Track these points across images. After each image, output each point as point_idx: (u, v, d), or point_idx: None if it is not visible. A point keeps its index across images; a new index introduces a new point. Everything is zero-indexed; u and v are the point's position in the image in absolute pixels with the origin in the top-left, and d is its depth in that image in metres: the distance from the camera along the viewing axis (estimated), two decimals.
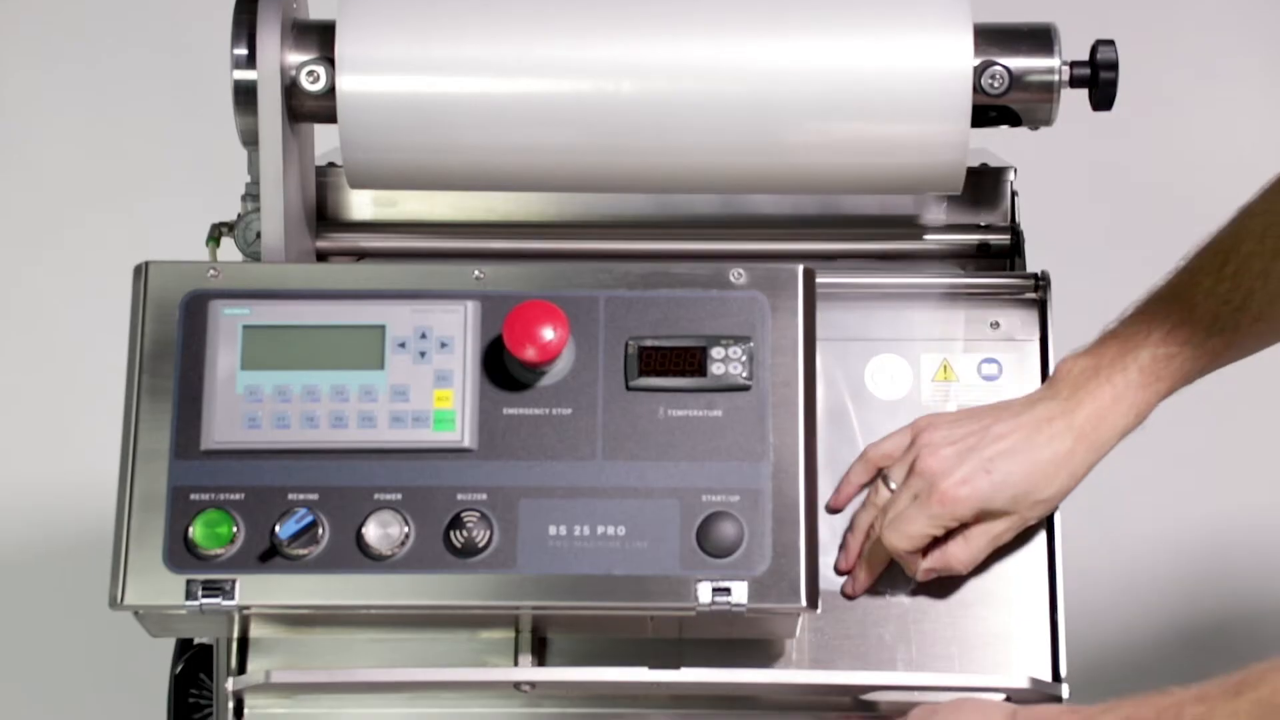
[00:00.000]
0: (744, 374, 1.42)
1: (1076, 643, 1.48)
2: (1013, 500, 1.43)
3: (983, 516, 1.44)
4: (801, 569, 1.39)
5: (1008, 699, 1.41)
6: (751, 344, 1.42)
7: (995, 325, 1.52)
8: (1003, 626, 1.49)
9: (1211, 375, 1.46)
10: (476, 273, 1.43)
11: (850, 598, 1.48)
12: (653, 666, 1.45)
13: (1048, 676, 1.48)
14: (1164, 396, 1.43)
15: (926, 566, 1.46)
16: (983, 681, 1.46)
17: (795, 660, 1.50)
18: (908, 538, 1.44)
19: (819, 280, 1.45)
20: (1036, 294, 1.52)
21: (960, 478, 1.42)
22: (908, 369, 1.51)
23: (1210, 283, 1.43)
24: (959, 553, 1.45)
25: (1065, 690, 1.46)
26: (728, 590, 1.39)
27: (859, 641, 1.50)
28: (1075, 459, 1.43)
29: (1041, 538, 1.49)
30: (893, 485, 1.46)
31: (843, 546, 1.50)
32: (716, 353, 1.42)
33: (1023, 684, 1.44)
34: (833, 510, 1.50)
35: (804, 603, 1.39)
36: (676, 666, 1.45)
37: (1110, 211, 2.51)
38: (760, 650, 1.50)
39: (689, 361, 1.42)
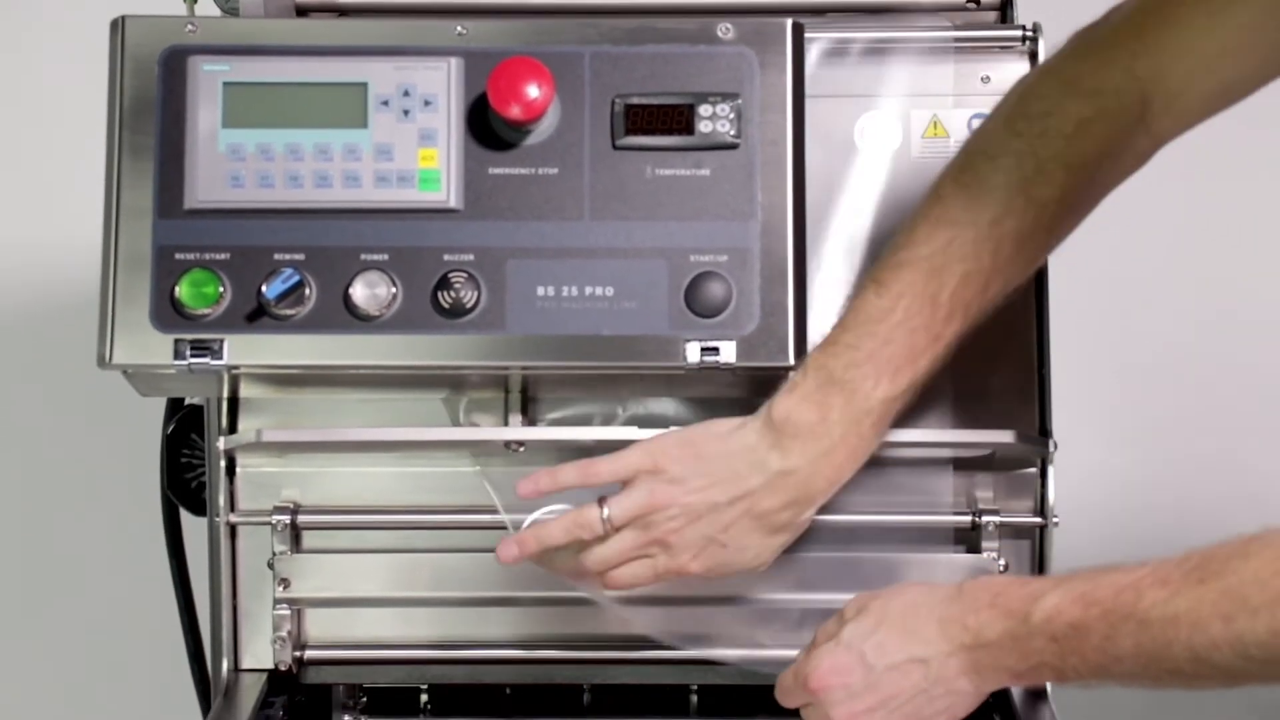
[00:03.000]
0: (732, 132, 1.41)
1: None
2: (754, 558, 1.38)
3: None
4: (790, 327, 1.39)
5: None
6: (739, 101, 1.41)
7: (986, 79, 1.50)
8: (990, 385, 1.50)
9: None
10: (459, 28, 1.41)
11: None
12: (642, 425, 1.46)
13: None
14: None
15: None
16: (972, 437, 1.47)
17: None
18: (625, 585, 1.39)
19: (807, 35, 1.43)
20: (1027, 47, 1.50)
21: (693, 554, 1.36)
22: (897, 125, 1.50)
23: (924, 319, 1.32)
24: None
25: (1052, 445, 1.47)
26: (716, 349, 1.39)
27: None
28: (807, 519, 1.38)
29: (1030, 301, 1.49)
30: (608, 519, 1.36)
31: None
32: (704, 110, 1.41)
33: (1008, 439, 1.45)
34: (521, 495, 1.40)
35: (792, 360, 1.39)
36: (665, 426, 1.46)
37: None
38: (746, 407, 1.50)
39: (676, 119, 1.41)
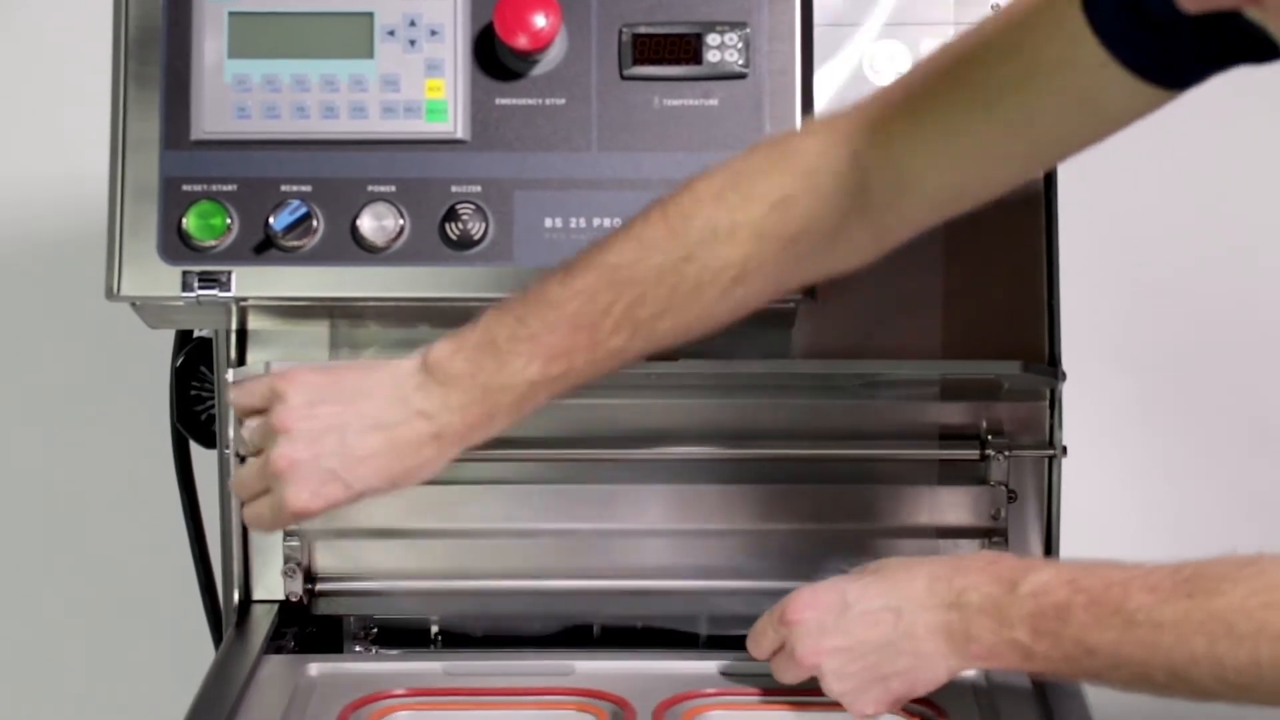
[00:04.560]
0: (740, 61, 1.40)
1: None
2: (368, 497, 1.32)
3: None
4: None
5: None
6: (748, 30, 1.40)
7: (995, 8, 1.49)
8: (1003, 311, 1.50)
9: None
10: None
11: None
12: (651, 357, 1.46)
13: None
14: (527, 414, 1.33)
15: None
16: (979, 368, 1.47)
17: (795, 349, 1.50)
18: (266, 530, 1.34)
19: None
20: None
21: (312, 490, 1.30)
22: (906, 53, 1.49)
23: (590, 321, 1.29)
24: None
25: (1061, 376, 1.47)
26: None
27: (860, 328, 1.50)
28: (435, 465, 1.32)
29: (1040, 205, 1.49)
30: (239, 444, 1.35)
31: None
32: (712, 39, 1.40)
33: (1015, 370, 1.45)
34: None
35: (801, 294, 1.39)
36: (675, 357, 1.46)
37: None
38: (760, 339, 1.50)
39: (684, 49, 1.40)
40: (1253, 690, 1.16)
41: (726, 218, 1.28)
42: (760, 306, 1.32)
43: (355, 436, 1.29)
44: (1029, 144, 1.25)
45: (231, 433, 1.50)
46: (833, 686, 1.29)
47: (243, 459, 1.34)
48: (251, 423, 1.32)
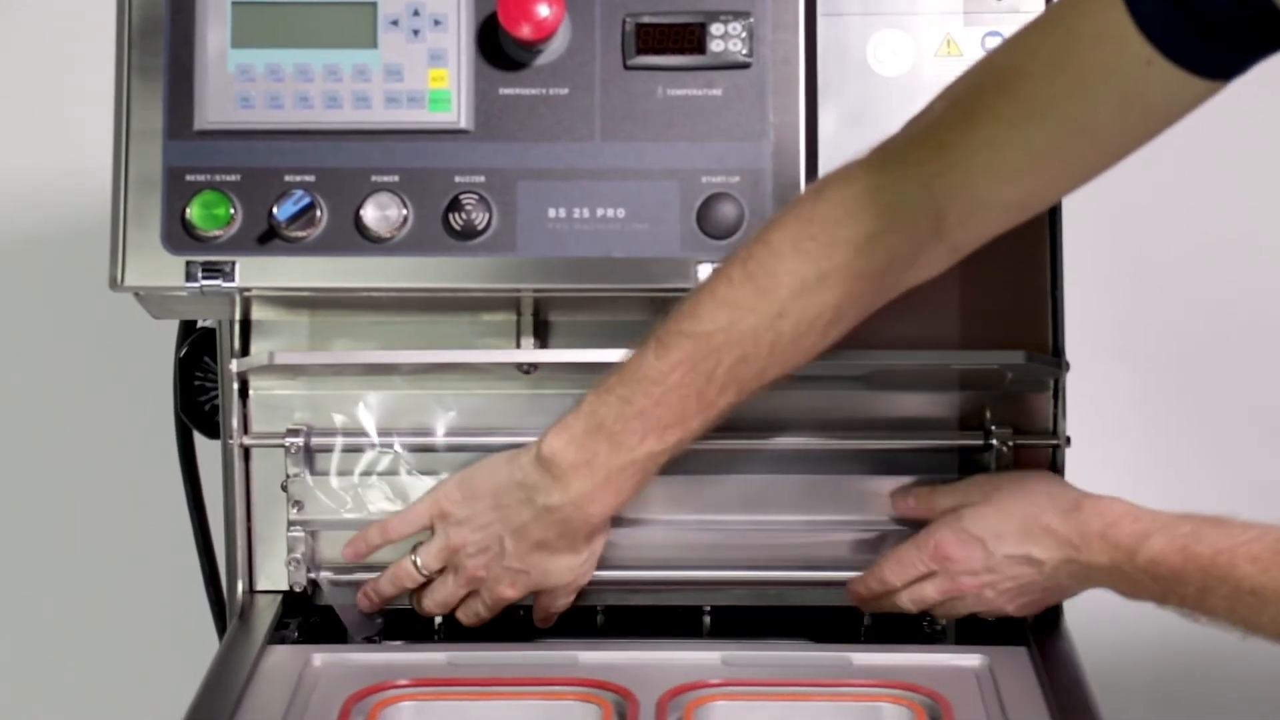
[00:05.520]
0: (744, 51, 1.40)
1: None
2: (561, 577, 1.45)
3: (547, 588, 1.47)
4: None
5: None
6: (751, 19, 1.40)
7: None
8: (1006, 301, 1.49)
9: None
10: None
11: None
12: None
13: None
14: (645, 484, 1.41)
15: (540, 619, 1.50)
16: (983, 358, 1.47)
17: None
18: (471, 623, 1.48)
19: None
20: None
21: (507, 584, 1.44)
22: (910, 44, 1.48)
23: (696, 389, 1.35)
24: (556, 604, 1.49)
25: (1064, 366, 1.47)
26: None
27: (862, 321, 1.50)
28: (591, 544, 1.45)
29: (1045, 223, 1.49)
30: (421, 567, 1.46)
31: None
32: (716, 29, 1.40)
33: (1019, 359, 1.45)
34: (346, 559, 1.49)
35: None
36: None
37: None
38: None
39: (688, 39, 1.40)
40: None
41: (813, 269, 1.32)
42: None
43: (510, 543, 1.42)
44: (1087, 148, 1.28)
45: (235, 423, 1.50)
46: (990, 603, 1.42)
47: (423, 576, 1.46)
48: (429, 550, 1.44)
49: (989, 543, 1.39)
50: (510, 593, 1.44)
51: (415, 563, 1.45)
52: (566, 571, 1.45)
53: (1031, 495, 1.40)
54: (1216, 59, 1.21)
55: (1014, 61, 1.29)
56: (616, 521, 1.48)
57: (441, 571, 1.45)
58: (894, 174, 1.32)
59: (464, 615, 1.47)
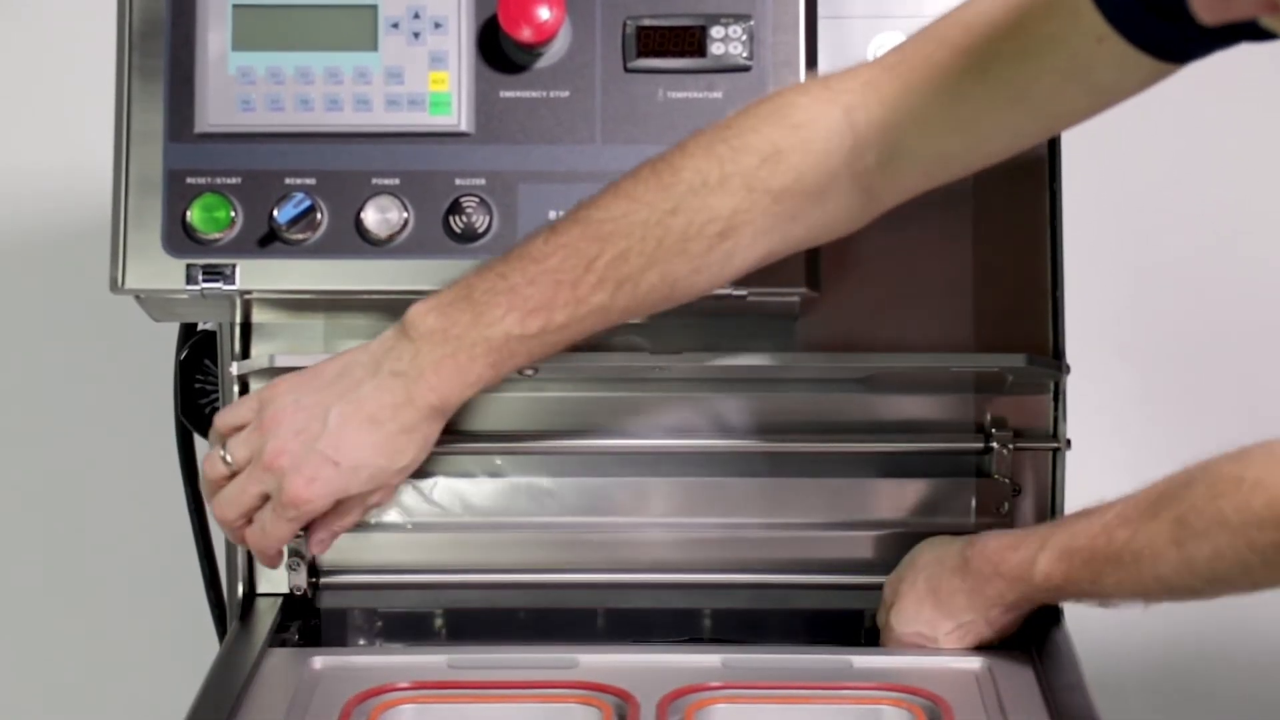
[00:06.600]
0: (744, 54, 1.40)
1: None
2: (371, 479, 1.35)
3: (345, 498, 1.36)
4: (801, 254, 1.38)
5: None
6: (752, 22, 1.40)
7: None
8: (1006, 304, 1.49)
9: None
10: None
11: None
12: (654, 350, 1.46)
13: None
14: (508, 374, 1.34)
15: (319, 539, 1.40)
16: (983, 360, 1.47)
17: (798, 342, 1.50)
18: (276, 542, 1.37)
19: None
20: None
21: (307, 476, 1.32)
22: None
23: (572, 276, 1.31)
24: (340, 522, 1.39)
25: (1065, 368, 1.47)
26: None
27: (863, 321, 1.50)
28: (422, 431, 1.34)
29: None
30: (227, 458, 1.35)
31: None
32: (716, 32, 1.40)
33: (1019, 362, 1.45)
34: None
35: (805, 286, 1.39)
36: (678, 351, 1.46)
37: None
38: (763, 331, 1.50)
39: (688, 41, 1.40)
40: (1225, 581, 1.26)
41: (716, 169, 1.29)
42: (746, 270, 1.32)
43: (335, 416, 1.31)
44: (1024, 115, 1.26)
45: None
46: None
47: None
48: (239, 437, 1.34)
49: (925, 631, 1.41)
50: (306, 491, 1.31)
51: (223, 455, 1.35)
52: (378, 466, 1.33)
53: (926, 569, 1.42)
54: (1173, 41, 1.19)
55: (964, 18, 1.27)
56: (616, 522, 1.48)
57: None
58: (817, 96, 1.30)
59: (252, 532, 1.36)
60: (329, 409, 1.32)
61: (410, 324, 1.32)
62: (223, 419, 1.37)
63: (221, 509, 1.36)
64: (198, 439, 1.62)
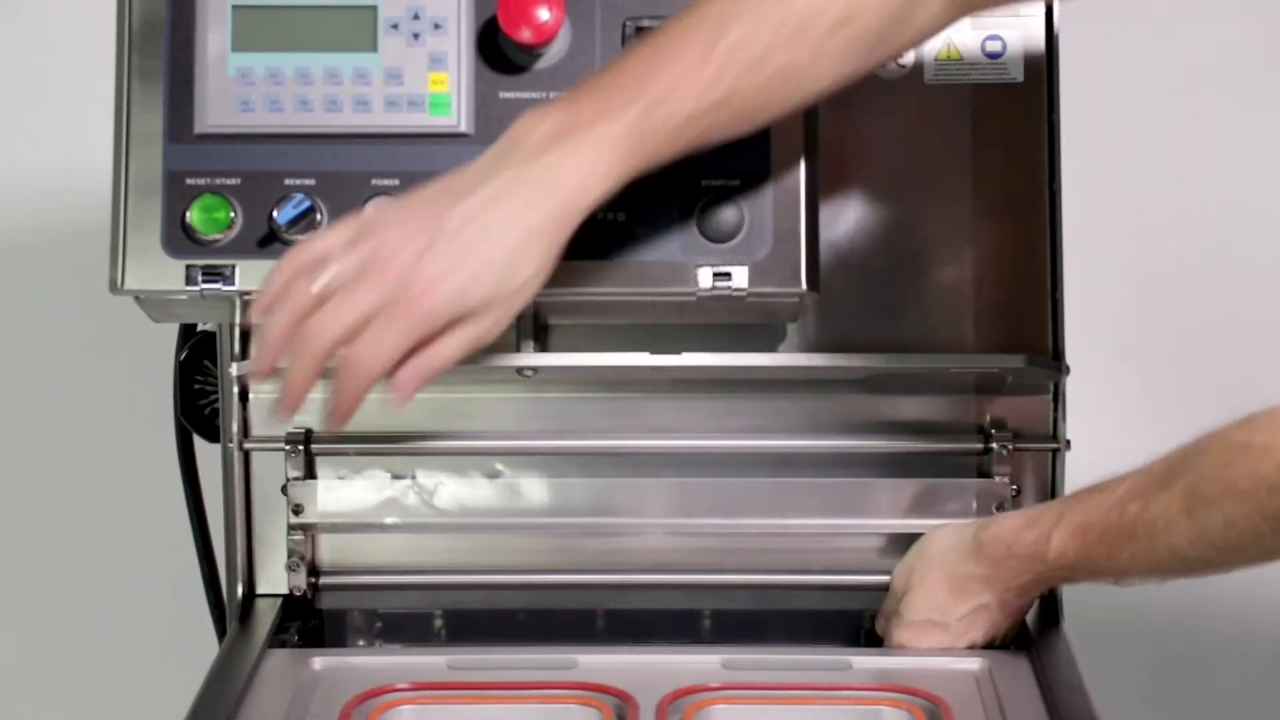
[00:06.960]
0: None
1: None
2: (490, 293, 1.22)
3: (460, 319, 1.22)
4: (802, 252, 1.38)
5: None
6: None
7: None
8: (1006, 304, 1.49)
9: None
10: None
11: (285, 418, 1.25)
12: (654, 352, 1.47)
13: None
14: (641, 171, 1.26)
15: (406, 379, 1.23)
16: (983, 361, 1.47)
17: (798, 343, 1.50)
18: (388, 353, 1.21)
19: None
20: None
21: (431, 275, 1.20)
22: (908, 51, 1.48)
23: (699, 54, 1.26)
24: (439, 353, 1.23)
25: (1065, 369, 1.47)
26: (728, 275, 1.38)
27: (863, 321, 1.50)
28: (544, 242, 1.23)
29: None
30: (321, 282, 1.21)
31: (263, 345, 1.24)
32: None
33: (1019, 363, 1.45)
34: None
35: (804, 286, 1.39)
36: (678, 352, 1.46)
37: None
38: (763, 333, 1.50)
39: None
40: (1238, 549, 1.27)
41: None
42: (857, 72, 1.30)
43: (451, 223, 1.21)
44: None
45: (235, 426, 1.50)
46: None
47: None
48: (337, 258, 1.21)
49: (936, 618, 1.43)
50: (431, 290, 1.19)
51: (315, 283, 1.21)
52: (498, 278, 1.21)
53: (938, 556, 1.44)
54: None
55: None
56: (616, 523, 1.48)
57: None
58: None
59: (363, 347, 1.20)
60: (439, 218, 1.21)
61: (522, 132, 1.24)
62: (313, 246, 1.23)
63: (321, 329, 1.20)
64: (198, 439, 1.62)
